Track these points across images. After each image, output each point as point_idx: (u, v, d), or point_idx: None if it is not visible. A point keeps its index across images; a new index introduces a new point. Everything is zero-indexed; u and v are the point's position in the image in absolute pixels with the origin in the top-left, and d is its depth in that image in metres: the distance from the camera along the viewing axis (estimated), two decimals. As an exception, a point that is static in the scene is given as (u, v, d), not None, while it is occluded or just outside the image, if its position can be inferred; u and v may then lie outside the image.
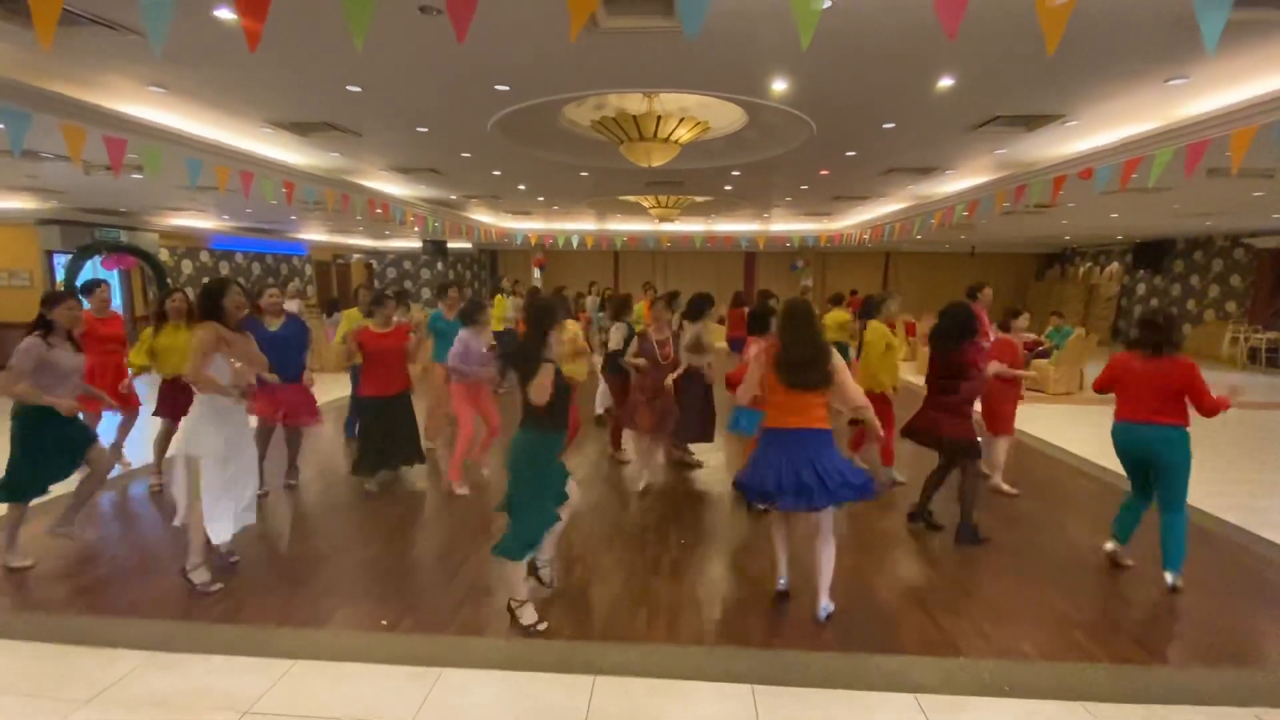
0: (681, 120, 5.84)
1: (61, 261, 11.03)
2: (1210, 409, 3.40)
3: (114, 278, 11.83)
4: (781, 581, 3.41)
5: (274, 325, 4.71)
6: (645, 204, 11.34)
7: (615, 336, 5.33)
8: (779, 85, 4.56)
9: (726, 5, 3.28)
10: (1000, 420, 4.99)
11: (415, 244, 18.92)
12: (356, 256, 20.41)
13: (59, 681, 2.69)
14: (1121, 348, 4.80)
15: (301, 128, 5.89)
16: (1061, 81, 4.46)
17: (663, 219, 12.48)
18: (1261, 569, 3.87)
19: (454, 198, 10.98)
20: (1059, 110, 5.13)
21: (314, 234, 16.74)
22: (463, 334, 4.76)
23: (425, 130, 6.04)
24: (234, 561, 3.67)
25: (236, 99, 5.04)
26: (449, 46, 3.92)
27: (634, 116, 5.77)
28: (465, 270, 21.08)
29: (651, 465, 5.13)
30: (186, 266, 13.98)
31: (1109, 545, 3.84)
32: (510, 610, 3.11)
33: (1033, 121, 5.41)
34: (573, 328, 4.85)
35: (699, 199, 11.05)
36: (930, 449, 4.27)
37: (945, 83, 4.43)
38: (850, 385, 3.10)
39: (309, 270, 18.21)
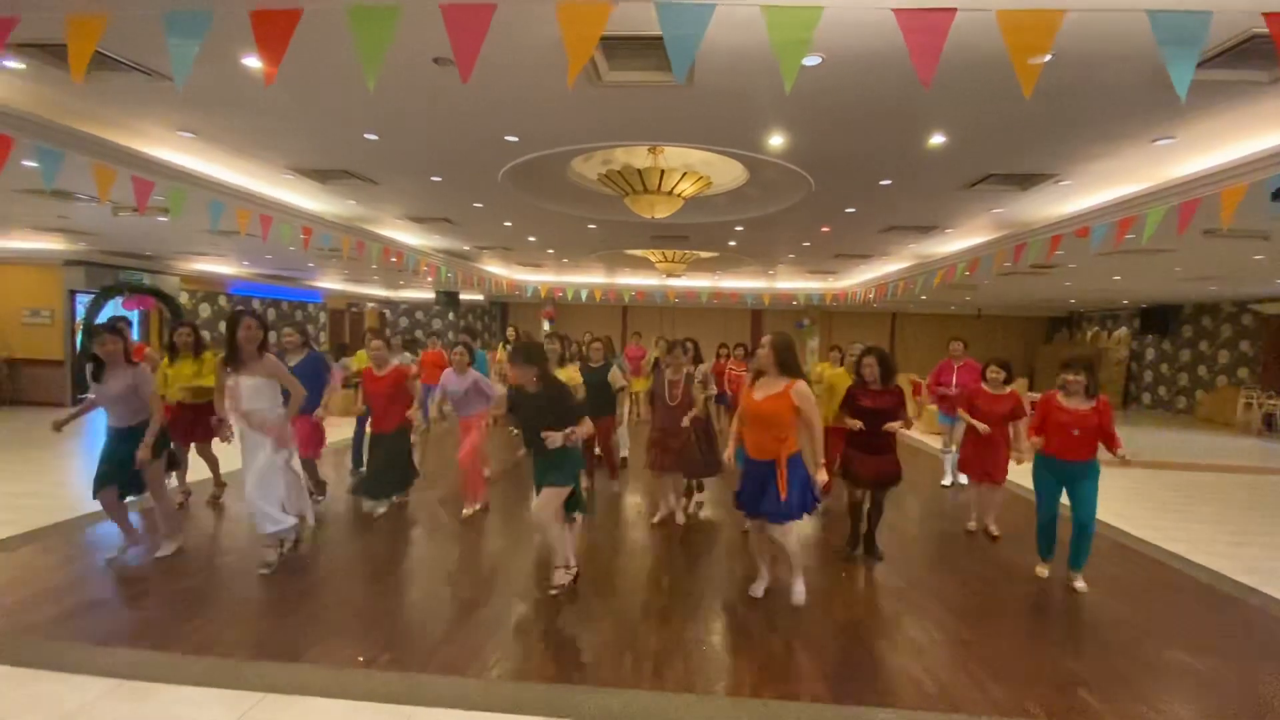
0: (684, 175, 6.06)
1: (83, 301, 11.32)
2: None
3: (133, 317, 12.15)
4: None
5: (292, 361, 5.01)
6: (652, 258, 11.60)
7: (616, 374, 5.41)
8: (776, 140, 4.74)
9: (723, 62, 3.47)
10: (979, 470, 5.05)
11: (428, 294, 19.34)
12: (370, 305, 20.81)
13: (22, 707, 2.62)
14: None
15: (321, 174, 6.16)
16: (1051, 142, 4.61)
17: (669, 274, 12.72)
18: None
19: (467, 248, 11.28)
20: (1051, 170, 5.27)
21: (330, 282, 17.17)
22: (446, 373, 4.92)
23: (439, 180, 6.28)
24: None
25: (261, 145, 5.30)
26: (462, 97, 4.14)
27: (639, 170, 6.00)
28: (476, 321, 21.40)
29: (667, 501, 5.13)
30: (204, 310, 14.30)
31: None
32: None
33: (1026, 181, 5.56)
34: (570, 372, 4.91)
35: (704, 255, 11.28)
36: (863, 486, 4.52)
37: (937, 140, 4.59)
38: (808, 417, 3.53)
39: (323, 317, 18.55)
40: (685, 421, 4.86)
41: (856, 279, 14.09)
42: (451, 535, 4.85)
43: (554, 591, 3.70)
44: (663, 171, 5.94)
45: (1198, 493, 7.04)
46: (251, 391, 3.54)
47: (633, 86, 3.81)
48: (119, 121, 4.75)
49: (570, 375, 5.05)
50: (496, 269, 14.48)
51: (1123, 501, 6.46)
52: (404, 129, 4.79)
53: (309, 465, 5.35)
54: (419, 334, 21.04)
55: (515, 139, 4.89)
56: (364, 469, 5.47)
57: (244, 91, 4.16)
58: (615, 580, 4.11)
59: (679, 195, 6.34)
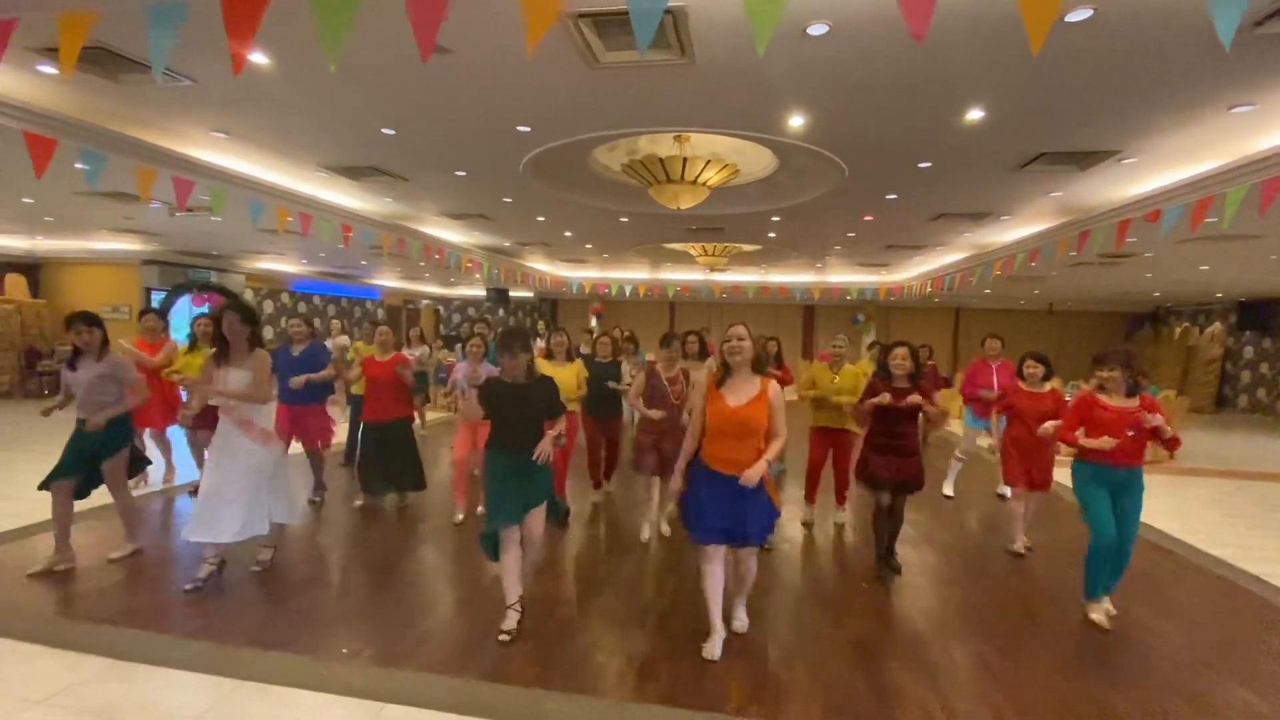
0: (708, 163, 5.84)
1: (157, 298, 12.12)
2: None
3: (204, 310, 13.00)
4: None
5: (297, 350, 5.16)
6: (692, 252, 11.38)
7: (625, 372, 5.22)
8: (796, 121, 4.47)
9: (721, 35, 3.27)
10: (1025, 477, 4.56)
11: (480, 291, 19.75)
12: (425, 302, 21.45)
13: (20, 680, 2.72)
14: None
15: (352, 171, 6.29)
16: (1107, 114, 4.15)
17: (711, 268, 12.46)
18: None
19: (508, 244, 11.39)
20: (1112, 146, 4.77)
21: (386, 280, 17.78)
22: (460, 364, 4.87)
23: (464, 174, 6.31)
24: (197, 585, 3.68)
25: (290, 143, 5.45)
26: (468, 88, 4.10)
27: (660, 159, 5.83)
28: (526, 317, 21.71)
29: (658, 512, 4.83)
30: (268, 306, 15.07)
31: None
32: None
33: (1084, 160, 5.05)
34: (576, 366, 4.79)
35: (746, 248, 10.97)
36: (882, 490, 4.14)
37: (974, 115, 4.21)
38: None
39: (381, 313, 19.24)
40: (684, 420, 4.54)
41: (911, 272, 13.41)
42: (448, 534, 4.80)
43: (504, 638, 3.13)
44: (685, 159, 5.76)
45: (1293, 508, 6.27)
46: (236, 384, 3.58)
47: (632, 67, 3.65)
48: (158, 124, 4.98)
49: (576, 371, 4.86)
50: (541, 265, 14.60)
51: (1199, 515, 5.82)
52: (419, 123, 4.81)
53: (314, 459, 5.36)
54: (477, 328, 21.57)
55: (528, 129, 4.82)
56: (357, 463, 5.34)
57: (264, 90, 4.26)
58: (606, 586, 3.95)
59: (704, 184, 6.13)
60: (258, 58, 3.71)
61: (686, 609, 3.61)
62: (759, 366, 3.03)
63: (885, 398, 3.91)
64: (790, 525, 5.20)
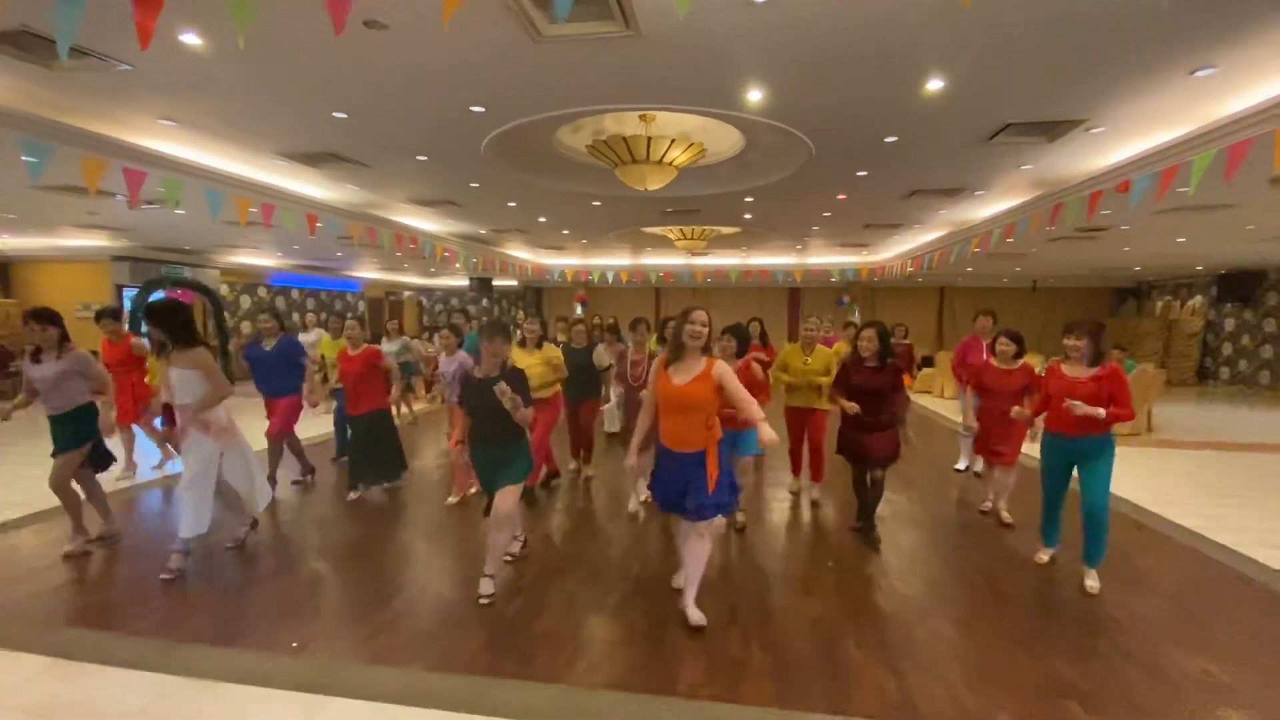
0: (673, 141, 5.73)
1: (130, 295, 11.91)
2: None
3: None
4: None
5: (269, 345, 5.23)
6: (671, 236, 11.26)
7: (601, 355, 5.19)
8: (754, 95, 4.37)
9: (666, 5, 3.15)
10: (987, 449, 4.67)
11: (463, 281, 19.55)
12: (408, 294, 21.24)
13: (-47, 684, 2.65)
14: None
15: (311, 158, 6.14)
16: (1071, 80, 4.07)
17: (690, 251, 12.35)
18: (1333, 638, 3.17)
19: (483, 232, 11.24)
20: (1078, 115, 4.69)
21: (367, 272, 17.55)
22: (462, 357, 4.84)
23: (425, 159, 6.17)
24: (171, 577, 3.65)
25: (241, 130, 5.29)
26: (411, 66, 3.97)
27: (625, 139, 5.71)
28: (510, 306, 21.55)
29: (637, 491, 4.82)
30: (245, 301, 14.86)
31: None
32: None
33: (1051, 129, 4.98)
34: (552, 351, 4.72)
35: (725, 230, 10.87)
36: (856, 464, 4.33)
37: (935, 85, 4.13)
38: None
39: (362, 306, 19.03)
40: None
41: (892, 251, 13.35)
42: (421, 524, 4.74)
43: (484, 601, 3.36)
44: (649, 139, 5.64)
45: (1266, 478, 6.29)
46: (180, 383, 3.49)
47: (578, 40, 3.54)
48: (100, 112, 4.81)
49: (551, 355, 4.84)
50: (521, 253, 14.44)
51: (1173, 486, 5.83)
52: (369, 105, 4.67)
53: (294, 443, 5.44)
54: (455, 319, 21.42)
55: (481, 110, 4.70)
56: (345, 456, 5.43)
57: (207, 75, 4.12)
58: (569, 570, 3.91)
59: (671, 164, 6.03)
60: (190, 39, 3.57)
61: (646, 592, 3.58)
62: (708, 347, 3.05)
63: (852, 407, 4.07)
64: (766, 505, 5.17)
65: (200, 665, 2.80)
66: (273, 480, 5.25)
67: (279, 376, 5.23)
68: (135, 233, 10.44)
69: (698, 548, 3.14)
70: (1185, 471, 6.46)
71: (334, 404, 6.39)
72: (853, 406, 4.08)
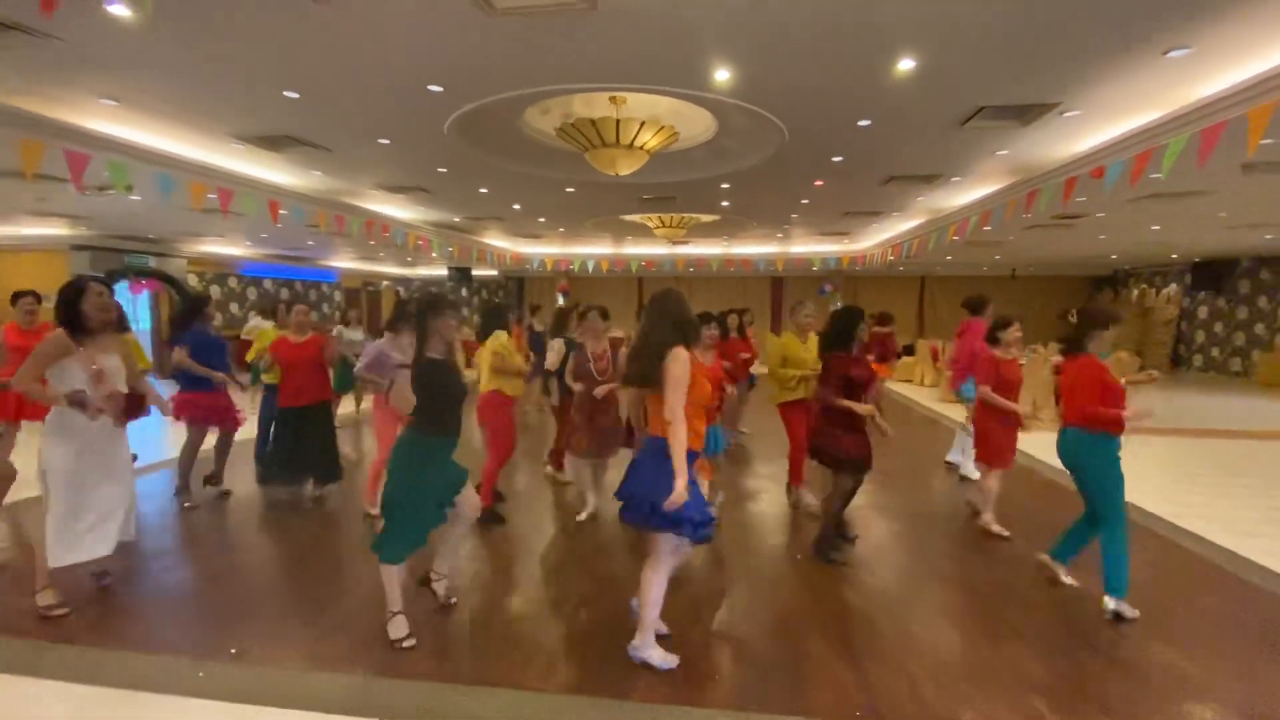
0: (643, 124, 5.57)
1: (91, 285, 11.53)
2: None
3: (144, 300, 12.47)
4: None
5: (215, 331, 5.10)
6: (650, 224, 11.10)
7: (553, 356, 4.95)
8: (721, 75, 4.22)
9: (624, -25, 3.00)
10: (990, 449, 4.37)
11: (442, 271, 19.23)
12: (386, 283, 20.87)
13: None
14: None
15: (269, 142, 5.89)
16: (1042, 61, 3.96)
17: (669, 240, 12.21)
18: (1298, 627, 3.14)
19: (458, 220, 10.99)
20: (1051, 98, 4.60)
21: (343, 261, 17.18)
22: (378, 342, 4.51)
23: (388, 143, 5.95)
24: (106, 583, 3.43)
25: (190, 111, 5.04)
26: (359, 42, 3.78)
27: (593, 122, 5.54)
28: (492, 296, 21.26)
29: (596, 492, 4.64)
30: (215, 292, 14.47)
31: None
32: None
33: (1024, 113, 4.89)
34: (502, 340, 4.52)
35: (705, 219, 10.73)
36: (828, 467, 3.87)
37: (906, 65, 4.00)
38: (669, 396, 2.52)
39: (338, 296, 18.67)
40: (601, 392, 4.32)
41: (873, 240, 13.30)
42: (362, 525, 4.54)
43: (409, 644, 2.87)
44: (618, 121, 5.48)
45: (1236, 465, 6.32)
46: (114, 372, 3.25)
47: (533, 14, 3.36)
48: (34, 90, 4.55)
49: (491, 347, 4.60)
50: (499, 242, 14.19)
51: (1143, 474, 5.82)
52: (321, 85, 4.46)
53: (225, 442, 5.12)
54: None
55: (439, 89, 4.50)
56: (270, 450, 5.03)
57: (145, 50, 3.88)
58: (526, 573, 3.79)
59: (642, 149, 5.87)
60: (117, 9, 3.35)
61: (604, 595, 3.46)
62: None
63: (869, 410, 3.68)
64: (733, 498, 5.08)
65: (128, 674, 2.65)
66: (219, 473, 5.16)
67: (218, 364, 4.97)
68: (95, 221, 10.09)
69: (645, 575, 2.71)
70: (1156, 459, 6.47)
71: (258, 398, 5.90)
72: (869, 409, 3.66)
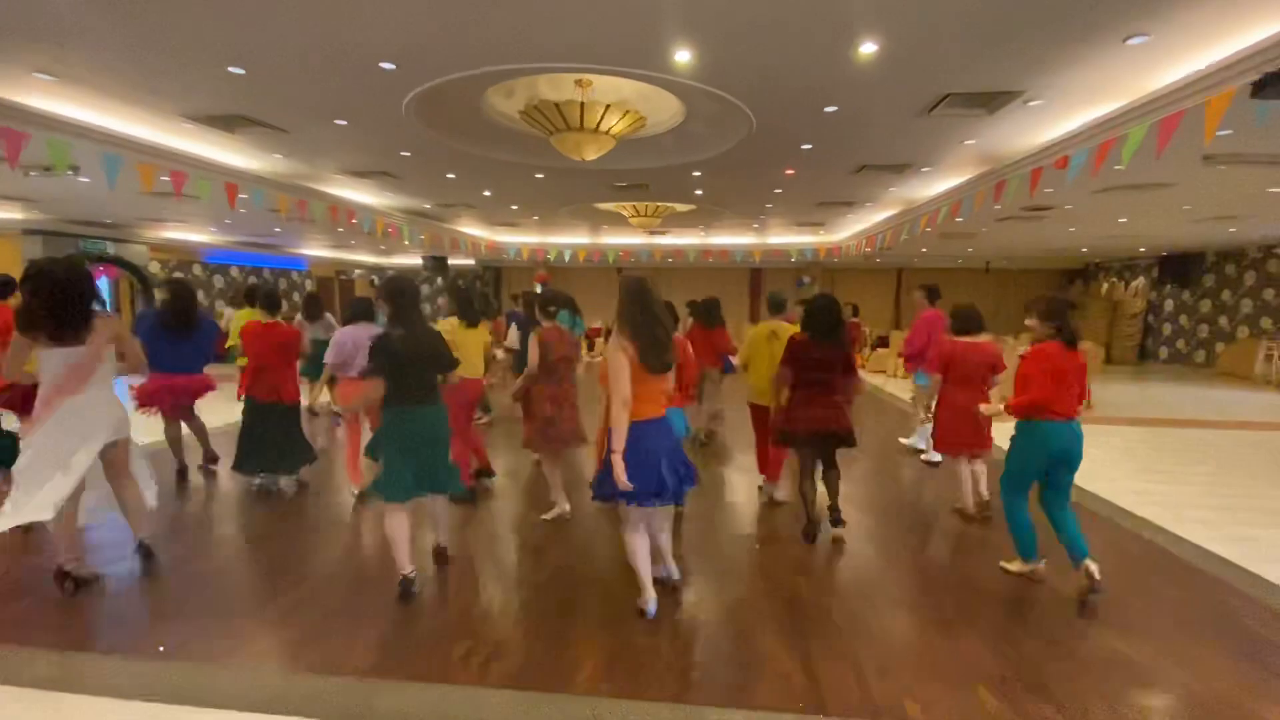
0: (609, 108, 5.46)
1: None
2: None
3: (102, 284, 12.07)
4: (651, 606, 3.02)
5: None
6: (625, 213, 10.99)
7: (514, 336, 4.85)
8: (683, 55, 4.13)
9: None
10: (944, 436, 4.42)
11: (417, 260, 18.93)
12: (359, 273, 20.51)
13: None
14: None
15: (221, 121, 5.68)
16: (1006, 47, 3.93)
17: (644, 229, 12.10)
18: (1258, 613, 3.16)
19: (428, 207, 10.79)
20: (1015, 86, 4.58)
21: (314, 249, 16.81)
22: (349, 330, 4.42)
23: (345, 124, 5.77)
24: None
25: (133, 88, 4.83)
26: (307, 16, 3.62)
27: (558, 105, 5.41)
28: (469, 286, 20.99)
29: (558, 492, 4.45)
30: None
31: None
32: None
33: (990, 101, 4.86)
34: (451, 324, 4.42)
35: (679, 208, 10.64)
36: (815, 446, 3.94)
37: (868, 49, 3.94)
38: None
39: (309, 285, 18.29)
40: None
41: (848, 231, 13.32)
42: (328, 513, 4.48)
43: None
44: (582, 104, 5.36)
45: (1194, 452, 6.42)
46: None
47: (480, -14, 3.24)
48: (-38, 63, 4.32)
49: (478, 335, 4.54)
50: (474, 230, 13.97)
51: (1104, 463, 5.88)
52: (266, 59, 4.28)
53: (198, 423, 5.27)
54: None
55: (391, 66, 4.35)
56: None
57: (76, 22, 3.69)
58: (482, 569, 3.69)
59: (608, 133, 5.75)
60: (38, -28, 3.16)
61: (559, 584, 3.40)
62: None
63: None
64: (703, 495, 5.02)
65: (43, 673, 2.52)
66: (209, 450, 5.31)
67: (188, 354, 5.05)
68: (48, 204, 9.70)
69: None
70: (1120, 448, 6.55)
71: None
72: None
